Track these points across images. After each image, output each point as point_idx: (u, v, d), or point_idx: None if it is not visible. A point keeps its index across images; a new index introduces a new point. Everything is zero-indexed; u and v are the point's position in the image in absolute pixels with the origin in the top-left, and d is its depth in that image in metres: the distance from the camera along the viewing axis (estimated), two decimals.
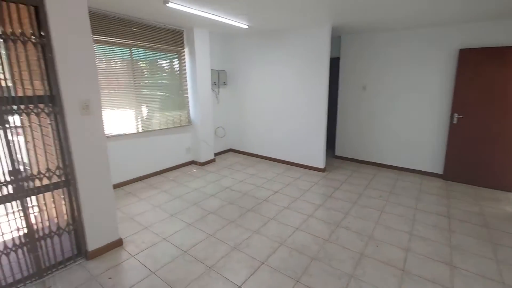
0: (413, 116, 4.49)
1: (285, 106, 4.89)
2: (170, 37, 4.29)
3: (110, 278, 2.04)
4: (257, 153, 5.48)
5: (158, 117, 4.31)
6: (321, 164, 4.62)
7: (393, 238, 2.65)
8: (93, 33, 3.28)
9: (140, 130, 4.03)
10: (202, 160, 4.88)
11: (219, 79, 5.27)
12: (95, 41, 3.37)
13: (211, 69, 4.99)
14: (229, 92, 5.60)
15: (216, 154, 5.48)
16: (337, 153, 5.45)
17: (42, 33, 1.92)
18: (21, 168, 1.93)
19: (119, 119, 3.74)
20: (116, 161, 3.68)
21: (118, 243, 2.43)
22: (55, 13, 1.92)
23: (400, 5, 3.08)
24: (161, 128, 4.34)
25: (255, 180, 4.16)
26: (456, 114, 4.03)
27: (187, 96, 4.74)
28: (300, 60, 4.53)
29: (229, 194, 3.63)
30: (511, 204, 3.44)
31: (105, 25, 3.43)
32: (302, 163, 4.84)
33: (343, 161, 5.25)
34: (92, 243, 2.26)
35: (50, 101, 2.04)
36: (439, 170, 4.40)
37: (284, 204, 3.36)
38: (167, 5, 3.13)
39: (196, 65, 4.54)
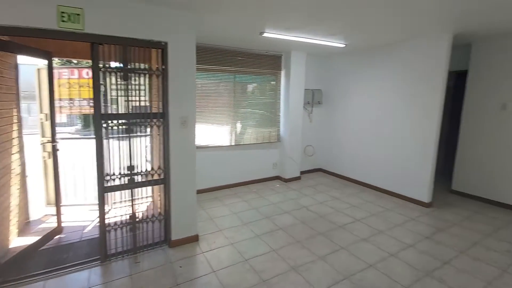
0: None
1: (383, 128, 4.38)
2: (269, 61, 4.72)
3: (180, 267, 2.39)
4: (347, 176, 5.09)
5: (250, 133, 4.75)
6: (425, 197, 3.81)
7: None
8: (203, 63, 4.03)
9: (233, 144, 4.55)
10: (287, 177, 4.96)
11: (314, 98, 5.30)
12: (205, 70, 4.13)
13: (306, 89, 5.10)
14: (323, 111, 5.53)
15: (303, 172, 5.44)
16: (455, 187, 4.35)
17: (163, 67, 2.56)
18: (135, 165, 2.57)
19: (216, 132, 4.37)
20: (209, 169, 4.27)
21: (195, 239, 2.81)
22: (172, 53, 2.52)
23: None
24: (252, 143, 4.74)
25: (337, 204, 3.87)
26: None
27: (279, 115, 5.00)
28: (405, 77, 4.00)
29: (304, 213, 3.53)
30: None
31: (214, 56, 4.14)
32: (399, 193, 4.14)
33: (462, 198, 4.13)
34: (175, 234, 2.72)
35: (162, 117, 2.64)
36: None
37: (363, 235, 2.97)
38: (263, 35, 3.51)
39: (290, 85, 4.76)
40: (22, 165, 2.95)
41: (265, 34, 3.47)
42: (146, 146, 3.49)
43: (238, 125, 4.64)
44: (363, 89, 4.67)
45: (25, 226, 2.93)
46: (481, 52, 3.91)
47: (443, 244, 2.79)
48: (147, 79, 2.81)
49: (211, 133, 4.32)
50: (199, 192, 3.67)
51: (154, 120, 2.62)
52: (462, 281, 2.21)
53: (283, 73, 4.86)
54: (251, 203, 3.86)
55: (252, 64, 4.51)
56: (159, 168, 2.69)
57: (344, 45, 4.13)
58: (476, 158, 4.04)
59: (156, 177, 2.67)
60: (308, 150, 5.49)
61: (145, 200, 3.54)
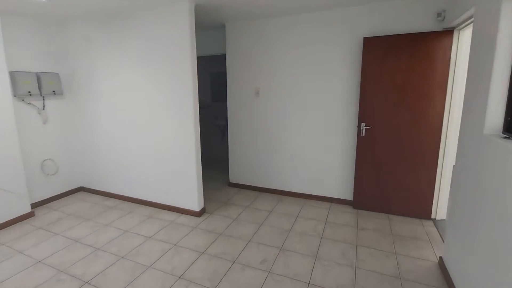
0: (318, 129, 3.38)
1: (144, 126, 3.29)
2: None
3: None
4: (116, 193, 3.73)
5: None
6: (195, 205, 3.13)
7: None
8: None
9: None
10: None
11: (42, 87, 3.39)
12: None
13: (17, 71, 3.13)
14: (67, 105, 3.74)
15: (48, 201, 3.55)
16: (232, 179, 4.08)
17: None
18: None
19: None
20: None
21: None
22: None
23: None
24: None
25: (69, 255, 2.41)
26: (363, 124, 3.03)
27: None
28: (157, 57, 3.01)
29: None
30: (429, 245, 2.48)
31: None
32: (172, 205, 3.29)
33: (239, 191, 3.89)
34: None
35: None
36: (349, 196, 3.37)
37: None
38: None
39: None
40: None
41: None
42: None
43: None
44: (114, 73, 3.37)
45: None
46: (233, 35, 3.61)
47: (194, 281, 2.05)
48: None
49: None
50: None
51: None
52: None
53: None
54: None
55: None
56: None
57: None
58: (243, 147, 3.86)
59: None
60: (48, 167, 3.61)
61: None
